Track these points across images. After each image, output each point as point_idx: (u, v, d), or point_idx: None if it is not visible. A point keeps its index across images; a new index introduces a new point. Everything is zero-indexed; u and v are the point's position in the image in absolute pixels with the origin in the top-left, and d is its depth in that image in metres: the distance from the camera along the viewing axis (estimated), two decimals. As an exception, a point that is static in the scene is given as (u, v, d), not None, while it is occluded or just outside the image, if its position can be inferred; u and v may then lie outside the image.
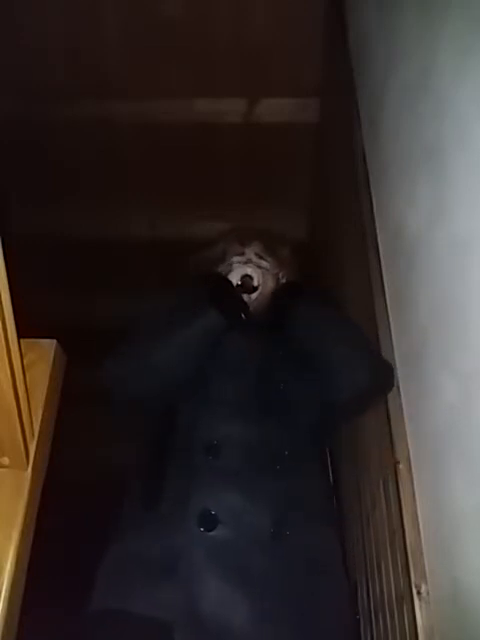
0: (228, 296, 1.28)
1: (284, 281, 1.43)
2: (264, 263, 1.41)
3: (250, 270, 1.35)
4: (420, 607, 0.97)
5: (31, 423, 0.82)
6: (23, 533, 0.80)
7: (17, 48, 2.07)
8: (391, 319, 1.27)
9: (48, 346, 0.92)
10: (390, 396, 1.20)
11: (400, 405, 1.17)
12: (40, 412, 0.86)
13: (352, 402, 1.25)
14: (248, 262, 1.40)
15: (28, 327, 0.78)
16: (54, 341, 0.93)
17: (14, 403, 0.73)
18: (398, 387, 1.19)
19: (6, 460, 0.82)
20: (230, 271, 1.36)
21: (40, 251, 2.60)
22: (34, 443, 0.84)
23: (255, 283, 1.33)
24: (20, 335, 0.71)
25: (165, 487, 1.14)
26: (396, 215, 1.25)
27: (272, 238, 1.54)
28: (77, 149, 2.41)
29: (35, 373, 0.88)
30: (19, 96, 2.19)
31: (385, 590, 1.19)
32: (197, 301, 1.26)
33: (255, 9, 2.01)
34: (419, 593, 0.98)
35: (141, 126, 2.36)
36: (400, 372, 1.20)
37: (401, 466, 1.10)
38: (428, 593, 0.97)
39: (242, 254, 1.43)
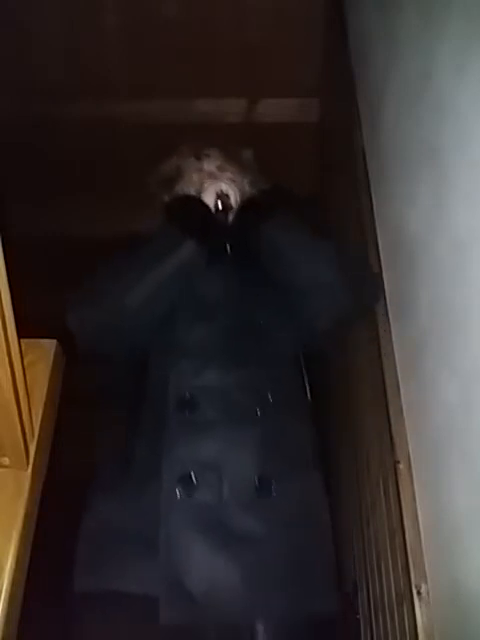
0: (207, 222, 1.10)
1: (253, 191, 1.23)
2: (229, 174, 1.24)
3: (225, 186, 1.15)
4: (420, 607, 0.97)
5: (31, 423, 0.82)
6: (23, 533, 0.80)
7: (17, 48, 2.07)
8: (391, 319, 1.27)
9: (48, 346, 0.93)
10: (390, 396, 1.20)
11: (400, 405, 1.17)
12: (40, 412, 0.86)
13: (332, 324, 1.14)
14: (212, 176, 1.22)
15: (28, 327, 0.78)
16: (54, 341, 0.93)
17: (14, 403, 0.74)
18: (398, 387, 1.19)
19: (6, 460, 0.82)
20: (201, 191, 1.16)
21: (40, 251, 2.60)
22: (34, 443, 0.84)
23: (233, 201, 1.14)
24: (20, 335, 0.71)
25: (140, 450, 1.05)
26: (396, 215, 1.25)
27: (229, 142, 1.35)
28: (77, 149, 2.41)
29: (35, 373, 0.88)
30: (19, 96, 2.19)
31: (385, 590, 1.19)
32: (171, 232, 1.11)
33: (255, 9, 2.01)
34: (419, 593, 0.98)
35: (141, 126, 2.36)
36: (400, 372, 1.19)
37: (401, 466, 1.10)
38: (428, 593, 0.97)
39: (201, 169, 1.26)
